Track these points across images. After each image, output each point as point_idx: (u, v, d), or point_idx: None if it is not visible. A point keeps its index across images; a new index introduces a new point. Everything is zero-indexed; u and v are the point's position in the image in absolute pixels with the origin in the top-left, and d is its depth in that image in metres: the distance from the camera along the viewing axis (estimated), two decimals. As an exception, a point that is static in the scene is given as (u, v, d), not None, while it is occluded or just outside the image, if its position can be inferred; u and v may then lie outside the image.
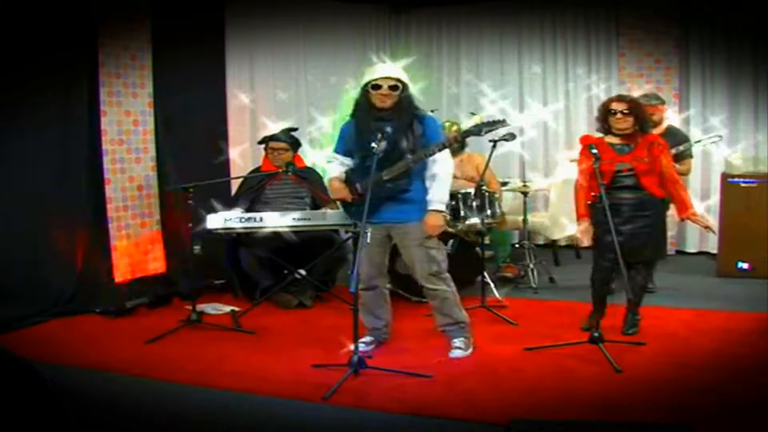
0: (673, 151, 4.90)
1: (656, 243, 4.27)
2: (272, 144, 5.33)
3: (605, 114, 4.24)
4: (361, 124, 3.90)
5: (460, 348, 4.07)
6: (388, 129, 3.79)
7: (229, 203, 5.29)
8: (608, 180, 4.10)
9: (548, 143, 7.29)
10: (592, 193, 4.20)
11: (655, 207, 4.19)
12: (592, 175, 4.12)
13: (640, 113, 4.21)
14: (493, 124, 3.90)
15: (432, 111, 6.19)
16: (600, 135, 4.32)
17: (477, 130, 3.92)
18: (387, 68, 3.95)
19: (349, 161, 4.01)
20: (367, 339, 4.18)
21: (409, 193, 3.89)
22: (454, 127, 5.87)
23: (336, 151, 4.07)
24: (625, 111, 4.16)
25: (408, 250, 3.97)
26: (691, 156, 5.25)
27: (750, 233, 5.75)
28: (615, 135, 4.23)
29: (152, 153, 5.70)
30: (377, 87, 3.83)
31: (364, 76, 3.95)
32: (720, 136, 5.30)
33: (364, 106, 3.91)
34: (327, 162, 4.20)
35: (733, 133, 6.65)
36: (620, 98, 4.29)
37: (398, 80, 3.85)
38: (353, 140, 3.94)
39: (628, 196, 4.15)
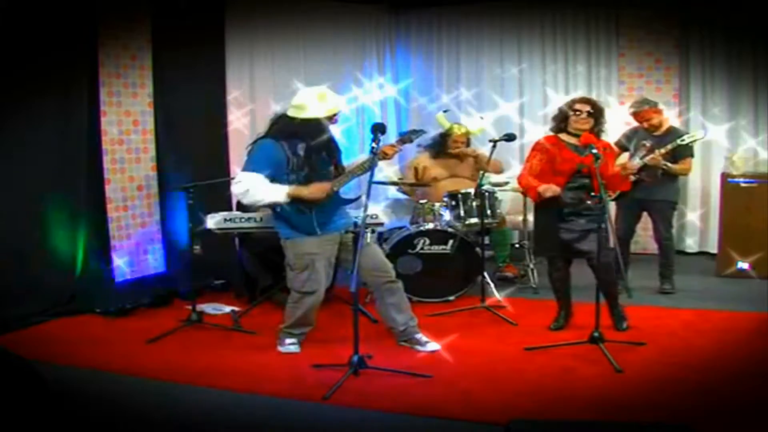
0: (669, 146, 4.97)
1: (604, 242, 4.25)
2: None
3: (566, 113, 4.34)
4: (297, 144, 4.00)
5: (430, 341, 4.18)
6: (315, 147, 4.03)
7: (241, 208, 5.28)
8: (566, 178, 4.24)
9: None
10: (592, 193, 4.23)
11: (601, 208, 4.20)
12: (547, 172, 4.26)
13: (601, 117, 4.37)
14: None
15: (444, 112, 6.14)
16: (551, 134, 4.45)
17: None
18: (335, 98, 4.11)
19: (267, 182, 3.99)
20: (295, 340, 4.19)
21: (345, 203, 4.21)
22: (463, 130, 5.87)
23: (256, 170, 3.95)
24: (590, 112, 4.30)
25: (369, 248, 4.08)
26: (691, 155, 5.28)
27: (750, 233, 5.75)
28: (570, 135, 4.34)
29: (152, 153, 5.70)
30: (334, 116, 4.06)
31: (318, 102, 3.99)
32: (702, 134, 5.21)
33: (302, 129, 3.98)
34: (243, 181, 3.92)
35: (733, 133, 6.65)
36: (585, 100, 4.43)
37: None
38: (290, 162, 3.98)
39: (576, 196, 4.27)
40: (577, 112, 4.30)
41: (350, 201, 4.24)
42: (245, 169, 4.02)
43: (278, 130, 4.04)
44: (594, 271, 4.24)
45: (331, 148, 4.11)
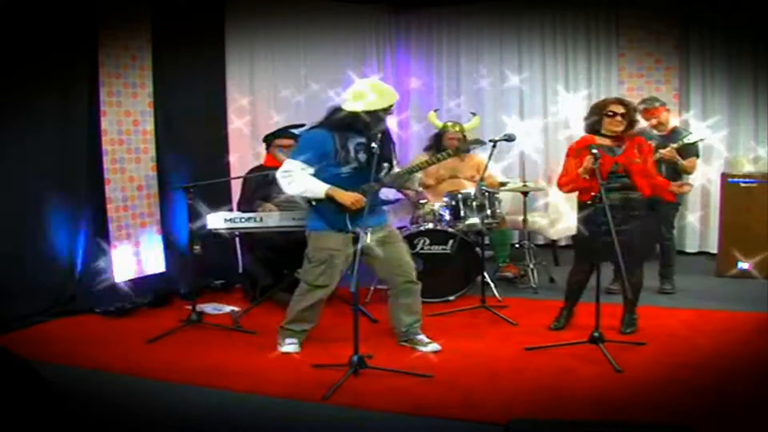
0: (674, 145, 4.98)
1: (645, 242, 4.30)
2: (280, 141, 5.30)
3: (600, 115, 4.27)
4: (349, 137, 3.99)
5: (431, 342, 4.18)
6: (365, 141, 4.00)
7: (241, 206, 5.28)
8: (603, 179, 4.11)
9: (548, 143, 7.28)
10: (592, 193, 4.23)
11: (643, 207, 4.27)
12: (589, 175, 4.15)
13: (633, 117, 4.31)
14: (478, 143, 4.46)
15: (435, 111, 6.22)
16: (586, 135, 4.38)
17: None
18: (391, 88, 4.10)
19: (312, 171, 4.00)
20: (296, 339, 4.19)
21: (383, 203, 4.26)
22: (456, 128, 5.88)
23: (303, 160, 3.97)
24: (623, 114, 4.23)
25: (395, 246, 4.15)
26: (697, 155, 5.27)
27: (750, 233, 5.75)
28: (604, 136, 4.29)
29: (152, 153, 5.70)
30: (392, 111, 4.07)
31: (374, 93, 3.97)
32: (708, 134, 5.27)
33: (357, 122, 3.96)
34: (291, 170, 3.96)
35: (733, 133, 6.65)
36: (618, 101, 4.34)
37: None
38: (339, 154, 3.96)
39: (620, 196, 4.21)
40: (611, 114, 4.24)
41: (389, 202, 4.26)
42: (292, 156, 4.05)
43: (332, 122, 4.02)
44: (618, 272, 4.23)
45: (384, 143, 4.03)
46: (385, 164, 4.08)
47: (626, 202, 4.21)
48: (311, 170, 3.98)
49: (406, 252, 4.25)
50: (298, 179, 3.96)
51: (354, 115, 3.96)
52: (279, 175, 4.03)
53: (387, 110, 4.01)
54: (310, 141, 4.03)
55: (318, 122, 4.10)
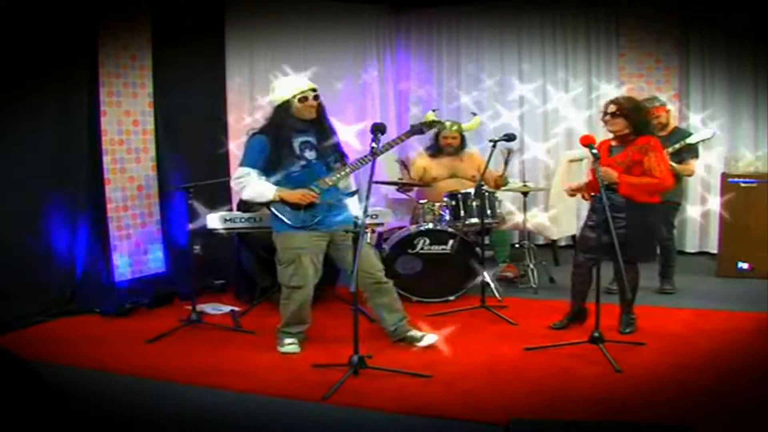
0: (676, 146, 4.98)
1: (635, 244, 4.19)
2: None
3: (603, 115, 4.28)
4: (287, 136, 4.03)
5: (426, 334, 4.20)
6: (310, 138, 4.08)
7: (241, 207, 5.28)
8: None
9: (548, 143, 7.28)
10: (591, 194, 4.25)
11: (630, 210, 4.15)
12: (590, 175, 4.18)
13: (633, 115, 4.18)
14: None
15: (433, 111, 6.22)
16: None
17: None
18: (304, 79, 4.15)
19: (263, 176, 4.04)
20: (295, 339, 4.18)
21: (344, 197, 4.17)
22: (455, 127, 5.88)
23: (252, 165, 4.02)
24: (614, 113, 4.18)
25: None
26: (696, 156, 5.26)
27: (750, 233, 5.75)
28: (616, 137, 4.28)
29: (152, 153, 5.70)
30: (305, 99, 4.03)
31: (278, 90, 4.08)
32: (710, 133, 5.25)
33: (288, 119, 4.02)
34: (242, 176, 4.02)
35: (733, 133, 6.65)
36: (612, 100, 4.30)
37: (316, 89, 4.10)
38: (281, 155, 4.01)
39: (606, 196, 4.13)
40: (603, 114, 4.22)
41: (349, 194, 4.24)
42: (240, 163, 4.11)
43: (265, 125, 4.12)
44: (617, 272, 4.23)
45: (322, 137, 4.10)
46: (330, 160, 4.12)
47: (612, 202, 4.05)
48: (263, 175, 4.03)
49: (373, 254, 4.27)
50: (247, 185, 4.02)
51: (277, 113, 4.04)
52: (232, 183, 4.13)
53: (299, 98, 4.01)
54: (249, 148, 4.10)
55: (257, 128, 4.17)
